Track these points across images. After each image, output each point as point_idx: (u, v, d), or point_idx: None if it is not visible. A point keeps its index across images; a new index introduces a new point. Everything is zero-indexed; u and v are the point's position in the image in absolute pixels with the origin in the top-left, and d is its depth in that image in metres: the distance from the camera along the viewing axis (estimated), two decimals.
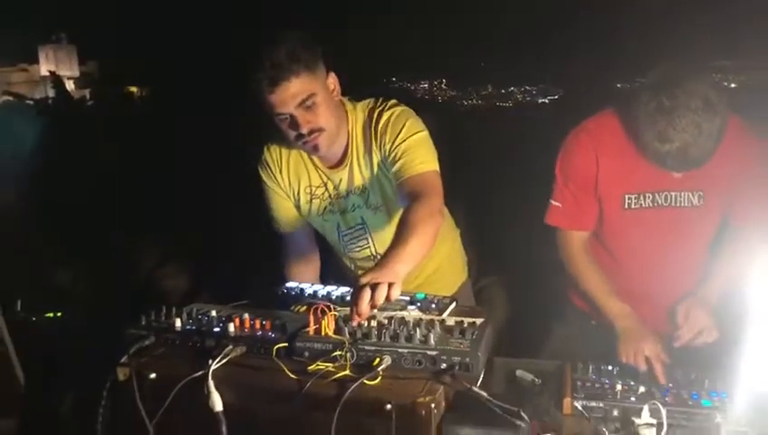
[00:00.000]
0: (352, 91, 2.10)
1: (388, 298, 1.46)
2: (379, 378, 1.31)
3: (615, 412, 1.64)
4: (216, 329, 1.51)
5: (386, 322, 1.48)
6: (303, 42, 1.89)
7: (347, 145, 2.06)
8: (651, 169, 1.93)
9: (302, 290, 1.81)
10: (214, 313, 1.58)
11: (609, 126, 2.03)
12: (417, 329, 1.42)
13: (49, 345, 1.73)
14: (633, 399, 1.65)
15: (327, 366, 1.35)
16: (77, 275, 2.89)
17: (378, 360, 1.35)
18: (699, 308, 2.00)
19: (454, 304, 1.65)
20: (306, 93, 1.87)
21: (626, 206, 2.06)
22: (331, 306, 1.50)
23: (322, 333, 1.43)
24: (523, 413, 1.27)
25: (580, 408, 1.64)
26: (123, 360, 1.42)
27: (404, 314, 1.56)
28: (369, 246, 2.18)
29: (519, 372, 1.84)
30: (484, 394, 1.31)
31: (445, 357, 1.36)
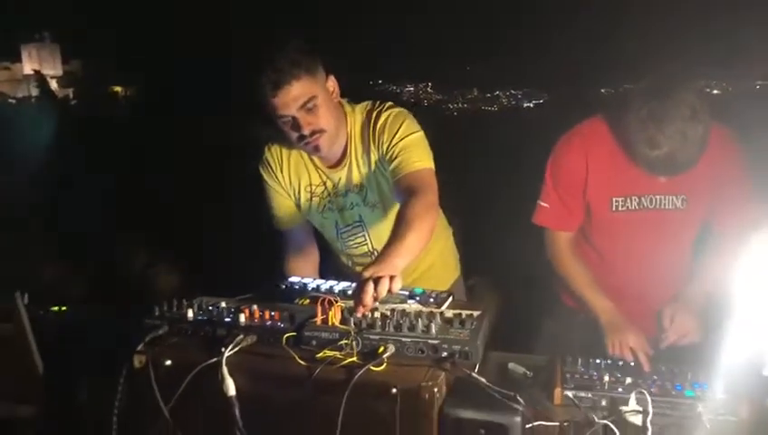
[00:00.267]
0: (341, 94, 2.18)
1: (389, 290, 1.54)
2: (384, 364, 1.39)
3: (603, 402, 1.73)
4: (227, 319, 1.58)
5: (388, 313, 1.56)
6: (304, 47, 1.96)
7: (346, 145, 2.13)
8: (638, 173, 2.02)
9: (304, 285, 1.88)
10: (223, 304, 1.65)
11: (599, 132, 2.12)
12: (419, 320, 1.50)
13: (62, 336, 1.78)
14: (620, 389, 1.74)
15: (334, 354, 1.43)
16: (72, 271, 2.93)
17: (382, 348, 1.43)
18: (684, 312, 2.10)
19: (451, 298, 1.73)
20: (307, 96, 1.95)
21: (613, 208, 2.15)
22: (338, 298, 1.57)
23: (329, 324, 1.50)
24: (519, 398, 1.36)
25: (570, 396, 1.73)
26: (139, 348, 1.49)
27: (405, 306, 1.64)
28: (366, 243, 2.26)
29: (511, 365, 1.92)
30: (483, 380, 1.39)
31: (445, 346, 1.44)
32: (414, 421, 1.34)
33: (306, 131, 1.98)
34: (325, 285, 1.86)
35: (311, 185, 2.20)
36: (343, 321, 1.52)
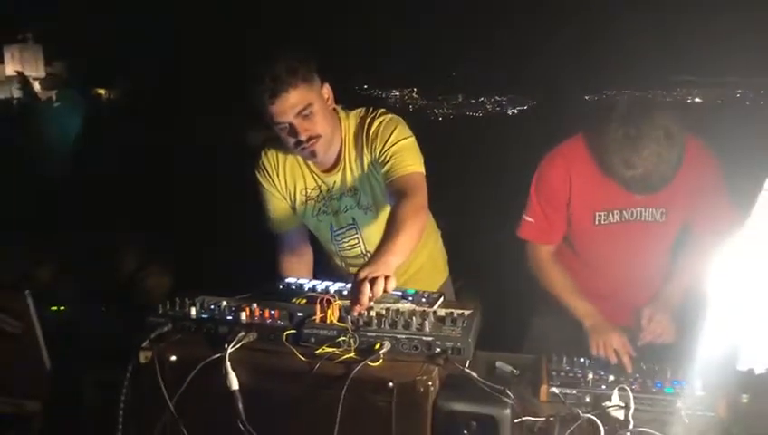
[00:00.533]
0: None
1: (384, 290, 1.61)
2: (381, 360, 1.46)
3: (587, 398, 1.81)
4: (229, 317, 1.64)
5: (384, 312, 1.63)
6: (300, 56, 2.04)
7: (340, 150, 2.20)
8: (619, 189, 2.11)
9: (300, 285, 1.95)
10: (224, 303, 1.71)
11: (580, 151, 2.21)
12: (413, 318, 1.57)
13: (62, 336, 1.83)
14: (604, 387, 1.83)
15: (333, 350, 1.50)
16: (69, 271, 2.97)
17: (379, 344, 1.49)
18: (662, 313, 2.19)
19: (442, 298, 1.80)
20: (304, 104, 2.02)
21: (596, 222, 2.25)
22: (336, 297, 1.64)
23: (328, 322, 1.57)
24: (508, 391, 1.44)
25: (556, 392, 1.81)
26: (145, 344, 1.55)
27: (399, 305, 1.71)
28: (359, 245, 2.33)
29: (499, 364, 2.00)
30: (475, 375, 1.47)
31: (439, 342, 1.51)
32: (409, 413, 1.41)
33: (303, 137, 2.05)
34: (321, 285, 1.92)
35: (306, 189, 2.27)
36: (341, 319, 1.58)
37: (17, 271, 2.71)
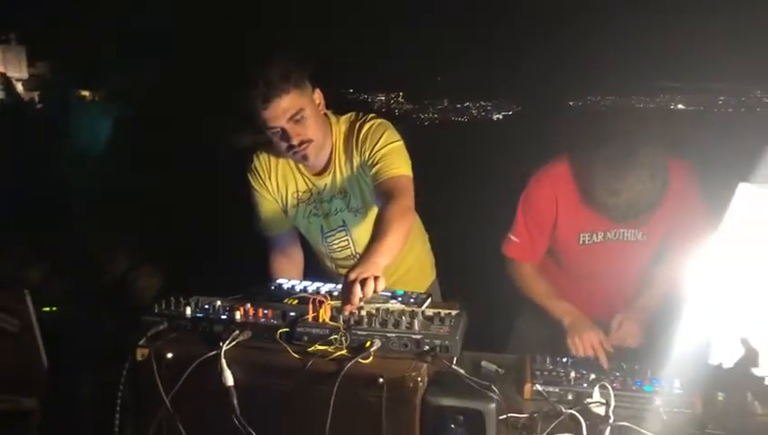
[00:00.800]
0: None
1: (374, 290, 1.67)
2: (372, 357, 1.51)
3: (569, 396, 1.88)
4: (224, 316, 1.68)
5: (374, 311, 1.68)
6: (292, 62, 2.09)
7: (331, 154, 2.25)
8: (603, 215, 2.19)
9: (292, 286, 1.99)
10: (219, 302, 1.75)
11: (565, 176, 2.27)
12: (403, 317, 1.63)
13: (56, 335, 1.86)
14: (585, 384, 1.89)
15: (325, 348, 1.55)
16: (60, 272, 2.98)
17: (369, 342, 1.55)
18: (631, 320, 2.27)
19: (430, 299, 1.86)
20: (296, 109, 2.07)
21: (580, 242, 2.32)
22: (327, 297, 1.69)
23: (320, 320, 1.62)
24: (494, 387, 1.49)
25: (540, 389, 1.88)
26: (142, 342, 1.59)
27: (388, 305, 1.76)
28: (349, 247, 2.39)
29: (484, 363, 2.06)
30: (462, 371, 1.52)
31: (427, 340, 1.57)
32: (399, 408, 1.46)
33: (295, 142, 2.10)
34: (312, 286, 1.97)
35: (297, 191, 2.32)
36: (333, 318, 1.63)
37: (5, 272, 2.73)
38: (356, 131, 2.23)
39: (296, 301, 1.81)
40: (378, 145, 2.18)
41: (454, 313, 1.73)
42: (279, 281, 2.05)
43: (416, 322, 1.61)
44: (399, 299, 1.83)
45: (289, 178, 2.31)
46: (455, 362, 1.56)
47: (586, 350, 2.11)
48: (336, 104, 2.34)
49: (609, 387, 1.77)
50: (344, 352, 1.53)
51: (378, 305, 1.73)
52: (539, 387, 1.89)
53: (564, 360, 2.04)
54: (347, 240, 2.37)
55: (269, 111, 2.04)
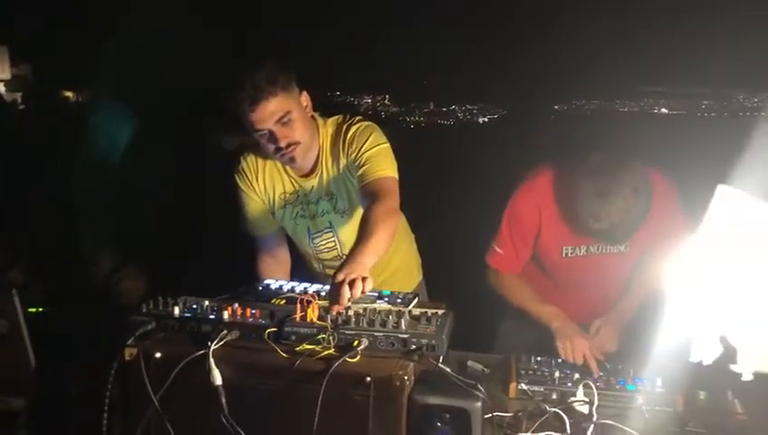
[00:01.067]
0: None
1: (362, 290, 1.68)
2: (359, 356, 1.52)
3: (554, 395, 1.91)
4: (212, 316, 1.69)
5: (362, 311, 1.70)
6: (279, 65, 2.10)
7: (318, 156, 2.27)
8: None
9: (279, 286, 2.00)
10: (207, 302, 1.76)
11: (548, 190, 2.31)
12: (390, 317, 1.64)
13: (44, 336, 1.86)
14: (569, 384, 1.93)
15: (313, 347, 1.56)
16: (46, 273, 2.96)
17: (357, 342, 1.56)
18: (609, 326, 2.32)
19: (417, 299, 1.88)
20: (283, 111, 2.08)
21: (563, 255, 2.36)
22: (315, 297, 1.70)
23: (308, 320, 1.63)
24: (480, 386, 1.52)
25: (525, 388, 1.90)
26: (130, 342, 1.60)
27: (376, 305, 1.78)
28: (336, 248, 2.40)
29: (470, 363, 2.09)
30: (448, 370, 1.54)
31: (414, 339, 1.58)
32: (386, 407, 1.48)
33: (282, 144, 2.11)
34: (300, 286, 1.98)
35: (284, 193, 2.33)
36: (320, 318, 1.64)
37: None
38: (343, 133, 2.25)
39: (284, 301, 1.82)
40: (364, 147, 2.19)
41: (440, 312, 1.75)
42: (267, 281, 2.06)
43: (402, 321, 1.63)
44: (386, 299, 1.85)
45: (276, 179, 2.33)
46: (441, 360, 1.57)
47: (577, 357, 2.14)
48: (323, 107, 2.35)
49: (593, 386, 1.81)
50: (332, 351, 1.54)
51: (365, 305, 1.75)
52: (524, 386, 1.92)
53: (549, 360, 2.08)
54: (334, 241, 2.39)
55: (256, 113, 2.05)
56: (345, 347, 1.55)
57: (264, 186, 2.33)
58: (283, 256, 2.51)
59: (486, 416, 1.61)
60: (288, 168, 2.30)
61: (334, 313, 1.65)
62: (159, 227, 3.08)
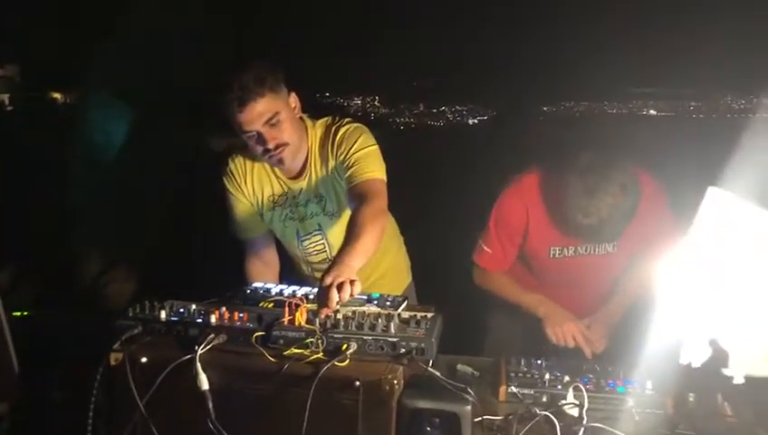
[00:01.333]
0: None
1: (351, 293, 1.67)
2: (348, 360, 1.51)
3: (544, 398, 1.90)
4: (199, 320, 1.68)
5: (350, 314, 1.68)
6: (268, 66, 2.09)
7: (306, 157, 2.26)
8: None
9: (268, 289, 1.99)
10: (194, 306, 1.74)
11: (536, 190, 2.31)
12: (379, 320, 1.63)
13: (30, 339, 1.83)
14: (559, 387, 1.91)
15: (301, 351, 1.54)
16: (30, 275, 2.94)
17: (345, 345, 1.55)
18: (598, 325, 2.33)
19: (406, 302, 1.86)
20: (271, 112, 2.07)
21: (551, 256, 2.36)
22: (304, 300, 1.69)
23: (296, 324, 1.62)
24: (470, 390, 1.51)
25: (514, 392, 1.89)
26: (116, 346, 1.58)
27: (364, 308, 1.77)
28: (325, 250, 2.39)
29: (459, 366, 2.07)
30: (437, 374, 1.53)
31: (404, 343, 1.57)
32: (375, 411, 1.47)
33: (271, 145, 2.10)
34: (288, 289, 1.97)
35: (273, 195, 2.32)
36: (309, 321, 1.63)
37: None
38: (332, 135, 2.24)
39: (272, 304, 1.80)
40: (353, 148, 2.18)
41: (429, 315, 1.74)
42: (254, 285, 2.05)
43: (392, 325, 1.62)
44: (375, 302, 1.84)
45: (265, 181, 2.31)
46: (430, 364, 1.56)
47: (567, 340, 2.14)
48: (312, 108, 2.34)
49: (583, 389, 1.80)
50: (320, 355, 1.53)
51: (354, 308, 1.74)
52: (514, 389, 1.91)
53: (539, 362, 2.06)
54: (323, 244, 2.38)
55: (244, 114, 2.04)
56: (334, 351, 1.54)
57: (252, 188, 2.32)
58: (272, 258, 2.49)
59: (476, 420, 1.60)
60: (277, 169, 2.28)
61: (323, 316, 1.64)
62: (147, 230, 3.06)
